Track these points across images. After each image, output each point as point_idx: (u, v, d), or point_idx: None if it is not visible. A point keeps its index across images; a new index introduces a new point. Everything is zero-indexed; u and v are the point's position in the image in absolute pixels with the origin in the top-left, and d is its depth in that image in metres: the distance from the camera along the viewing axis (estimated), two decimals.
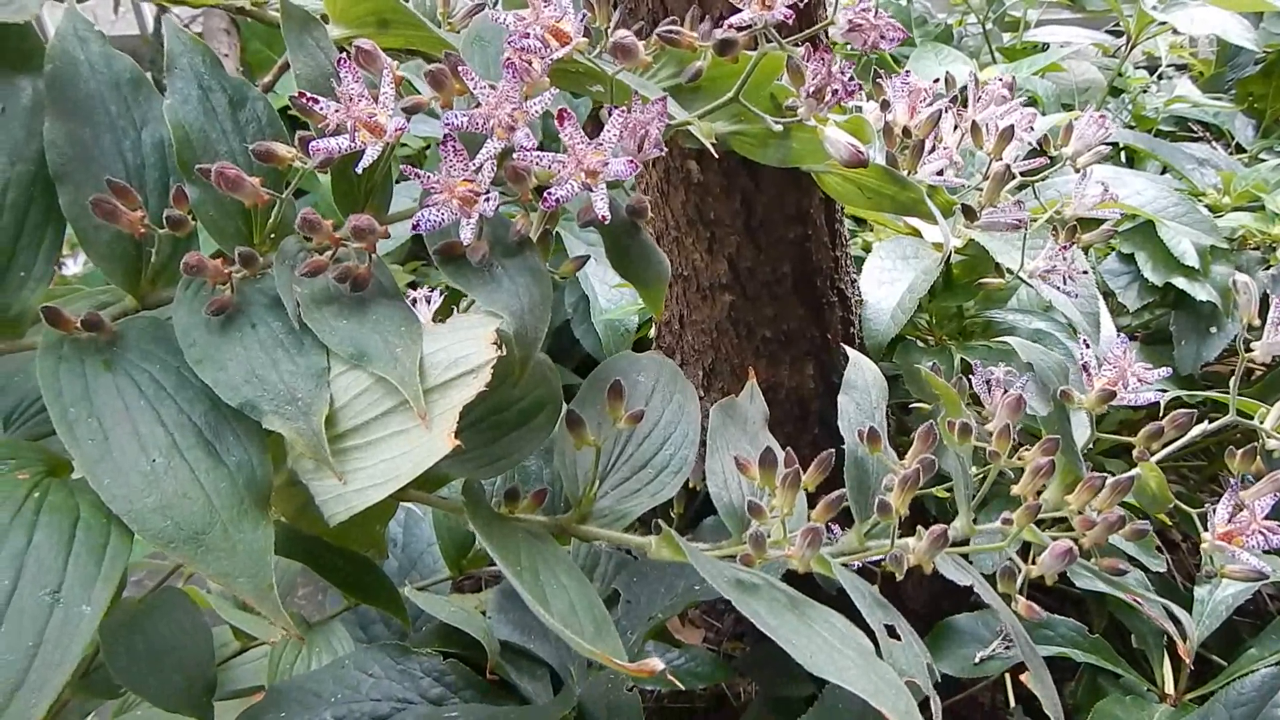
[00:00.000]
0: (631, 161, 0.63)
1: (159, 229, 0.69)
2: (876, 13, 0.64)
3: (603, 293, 1.57)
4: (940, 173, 0.92)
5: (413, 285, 1.95)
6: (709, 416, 0.84)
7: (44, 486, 0.65)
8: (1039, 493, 0.73)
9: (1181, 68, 2.24)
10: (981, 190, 0.98)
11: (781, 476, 0.70)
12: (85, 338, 0.68)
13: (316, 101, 0.65)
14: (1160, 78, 2.17)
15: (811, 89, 0.67)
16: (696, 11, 0.89)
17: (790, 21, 0.61)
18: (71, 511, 0.63)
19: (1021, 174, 0.99)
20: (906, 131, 0.93)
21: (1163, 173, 1.83)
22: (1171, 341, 1.60)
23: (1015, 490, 0.74)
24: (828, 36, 0.68)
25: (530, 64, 0.67)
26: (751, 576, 0.70)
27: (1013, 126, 0.98)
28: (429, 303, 1.03)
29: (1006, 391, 1.09)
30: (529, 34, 0.66)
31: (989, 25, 2.11)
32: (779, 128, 0.70)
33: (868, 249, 1.46)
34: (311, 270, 0.67)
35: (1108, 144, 1.07)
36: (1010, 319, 1.43)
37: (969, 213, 0.96)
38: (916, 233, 1.37)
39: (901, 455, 0.80)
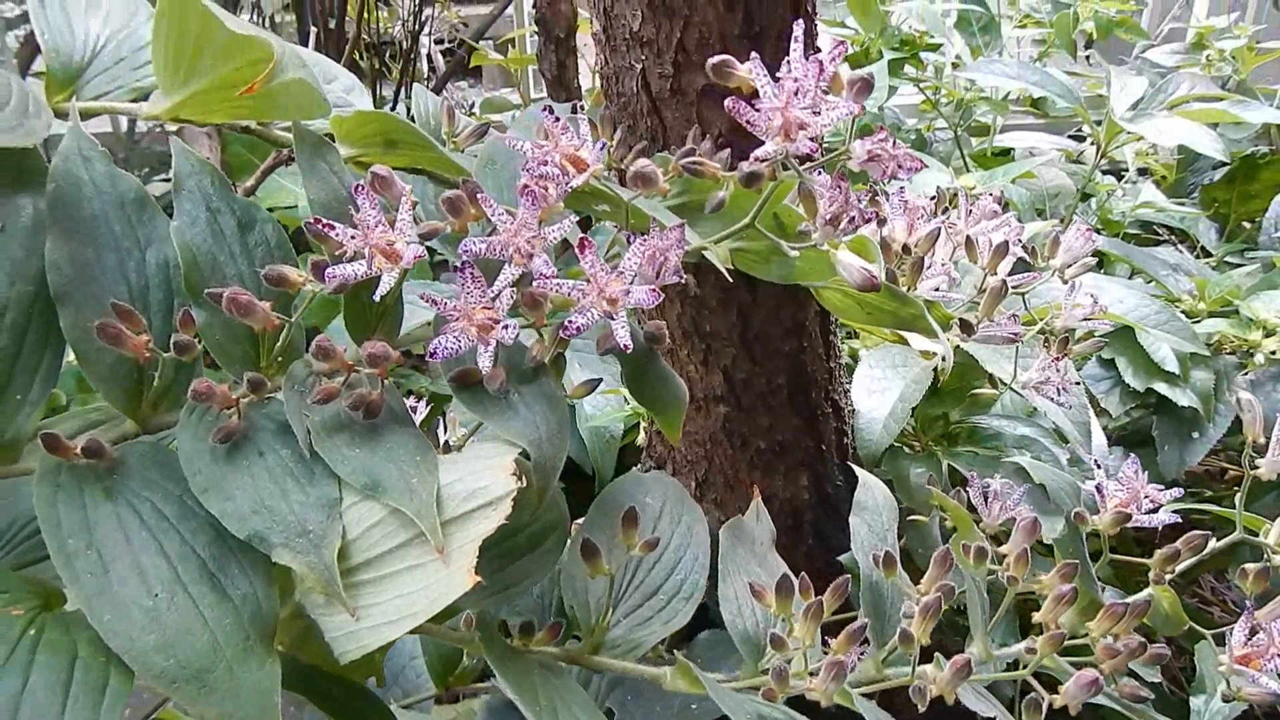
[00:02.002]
0: (654, 290, 0.63)
1: (163, 353, 0.68)
2: (894, 143, 0.65)
3: (588, 399, 1.56)
4: (936, 288, 0.93)
5: None
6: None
7: (39, 623, 0.62)
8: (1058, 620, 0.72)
9: (1143, 172, 2.31)
10: (975, 302, 0.99)
11: (804, 608, 0.68)
12: (84, 464, 0.66)
13: (332, 227, 0.64)
14: (1124, 181, 2.22)
15: (828, 216, 0.67)
16: (697, 131, 0.90)
17: (814, 154, 0.61)
18: (69, 650, 0.60)
19: (1013, 288, 1.00)
20: (905, 248, 0.93)
21: (1131, 276, 1.86)
22: (1148, 443, 1.62)
23: (1037, 618, 0.73)
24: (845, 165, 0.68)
25: (547, 190, 0.66)
26: (774, 711, 0.68)
27: (1007, 243, 0.99)
28: (415, 413, 1.01)
29: (1004, 504, 1.09)
30: (548, 161, 0.66)
31: (960, 131, 2.16)
32: (794, 253, 0.70)
33: (854, 356, 1.47)
34: (323, 397, 0.65)
35: None
36: (995, 425, 1.43)
37: (966, 327, 0.97)
38: (903, 340, 1.38)
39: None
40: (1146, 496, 0.81)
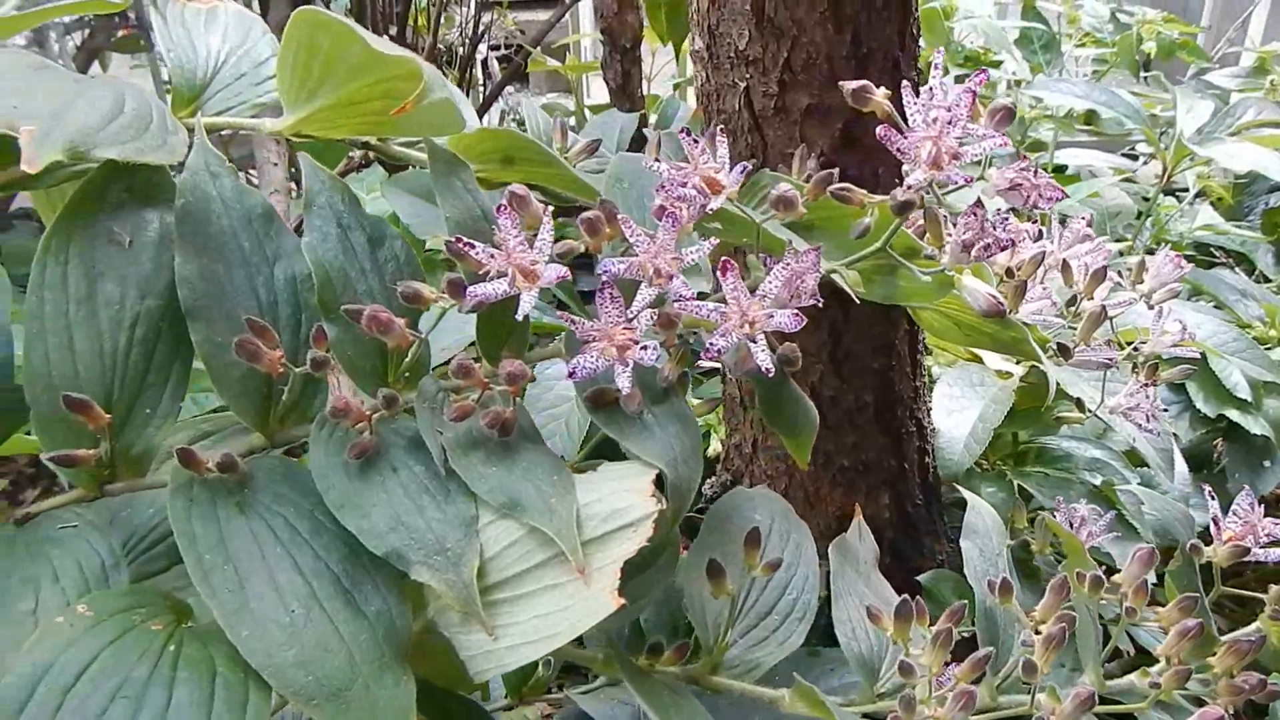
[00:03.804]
0: (796, 314, 0.63)
1: (294, 367, 0.68)
2: (1036, 172, 0.65)
3: None
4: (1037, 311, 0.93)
5: None
6: None
7: (178, 638, 0.62)
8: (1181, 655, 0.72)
9: (1199, 194, 2.29)
10: (1071, 326, 0.98)
11: (934, 635, 0.68)
12: (215, 479, 0.66)
13: (472, 246, 0.64)
14: (1180, 201, 2.21)
15: (962, 242, 0.67)
16: (804, 150, 0.90)
17: (969, 183, 0.61)
18: (208, 665, 0.60)
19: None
20: (1009, 271, 0.93)
21: (1189, 298, 1.85)
22: (1206, 466, 1.61)
23: (1159, 651, 0.72)
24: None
25: (680, 211, 0.67)
26: None
27: (1105, 267, 0.99)
28: None
29: (1091, 530, 1.08)
30: (686, 183, 0.66)
31: (1019, 148, 2.15)
32: (926, 279, 0.70)
33: (926, 373, 1.46)
34: (459, 415, 0.65)
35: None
36: (1065, 446, 1.43)
37: (1064, 351, 0.96)
38: (978, 359, 1.37)
39: None
40: (1265, 530, 0.80)
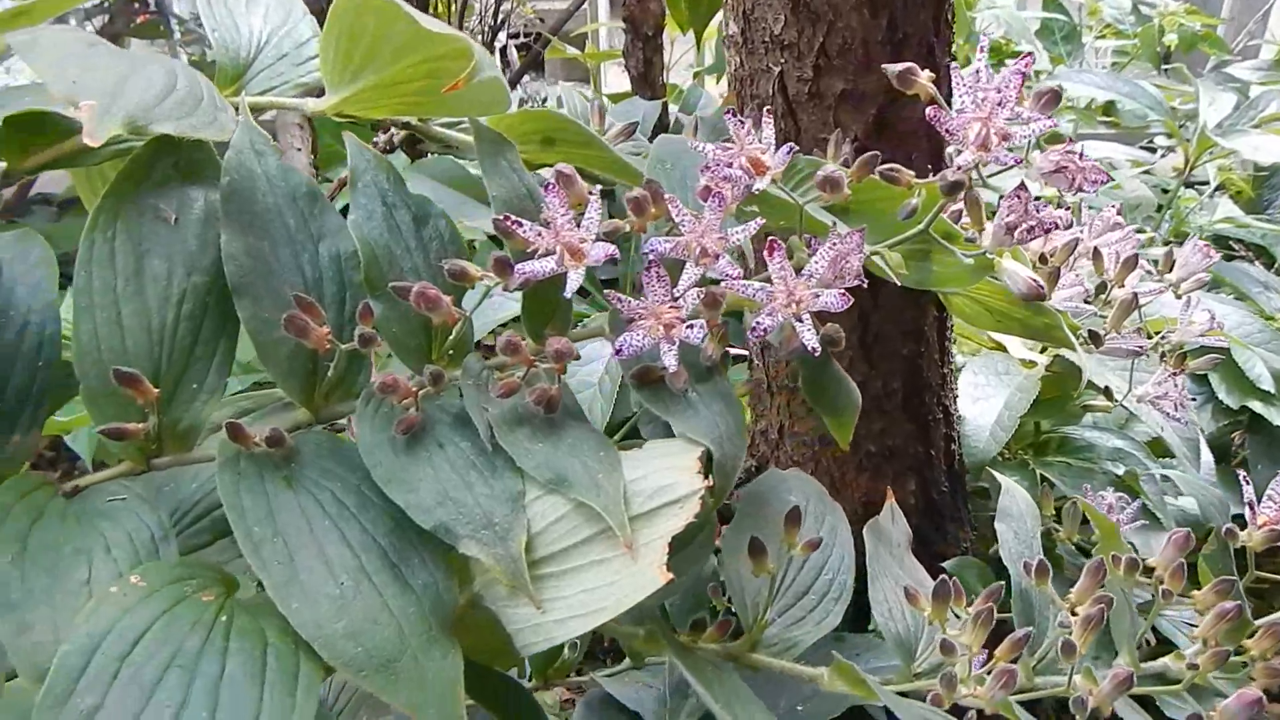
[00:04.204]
0: (844, 294, 0.63)
1: (340, 344, 0.69)
2: (1081, 156, 0.65)
3: None
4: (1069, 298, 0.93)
5: None
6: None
7: (229, 609, 0.62)
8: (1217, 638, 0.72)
9: (1219, 187, 2.29)
10: (1101, 315, 0.99)
11: (974, 614, 0.68)
12: (261, 453, 0.66)
13: (520, 224, 0.65)
14: (1200, 194, 2.21)
15: (1006, 224, 0.68)
16: (839, 135, 0.90)
17: (1018, 163, 0.62)
18: (259, 636, 0.61)
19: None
20: (1041, 257, 0.94)
21: (1207, 289, 1.85)
22: (1225, 458, 1.61)
23: (1197, 634, 0.73)
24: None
25: (726, 191, 0.67)
26: (936, 716, 0.68)
27: (1136, 255, 0.99)
28: None
29: (1118, 519, 1.09)
30: (732, 164, 0.67)
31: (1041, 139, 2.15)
32: (968, 261, 0.70)
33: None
34: (506, 391, 0.66)
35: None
36: (1088, 436, 1.43)
37: (1096, 339, 0.97)
38: (1002, 348, 1.38)
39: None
40: None
